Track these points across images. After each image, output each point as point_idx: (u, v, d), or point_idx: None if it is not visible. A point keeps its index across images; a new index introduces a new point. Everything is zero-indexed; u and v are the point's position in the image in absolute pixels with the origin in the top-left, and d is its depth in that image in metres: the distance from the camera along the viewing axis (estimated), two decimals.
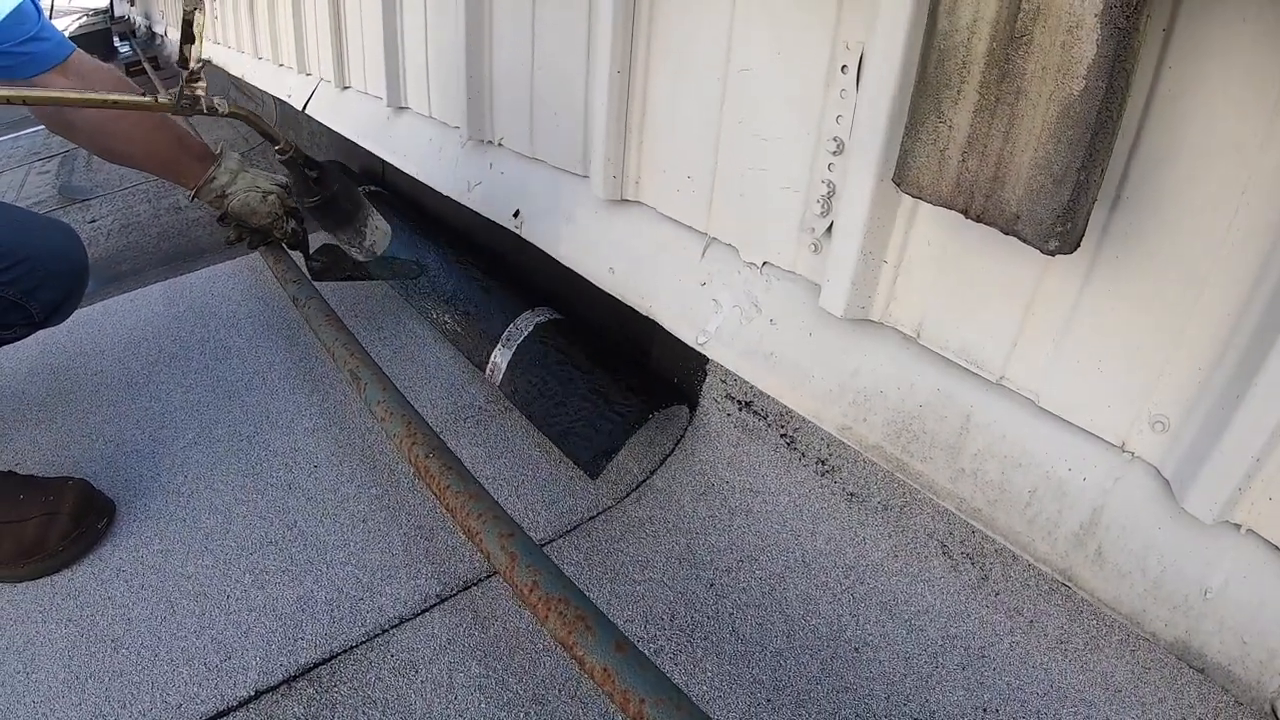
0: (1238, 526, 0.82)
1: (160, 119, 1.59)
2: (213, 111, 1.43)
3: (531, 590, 0.89)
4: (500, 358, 1.61)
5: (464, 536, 1.31)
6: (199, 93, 1.36)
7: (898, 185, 0.87)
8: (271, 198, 1.71)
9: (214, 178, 1.64)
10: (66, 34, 1.59)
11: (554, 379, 1.49)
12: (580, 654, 0.83)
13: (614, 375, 1.46)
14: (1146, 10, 0.68)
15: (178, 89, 1.34)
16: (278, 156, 1.59)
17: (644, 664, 0.82)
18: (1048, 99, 0.73)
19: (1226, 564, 0.82)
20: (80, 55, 1.53)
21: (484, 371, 1.66)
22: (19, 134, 5.09)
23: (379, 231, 1.84)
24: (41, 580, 1.33)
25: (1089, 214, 0.77)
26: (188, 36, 1.32)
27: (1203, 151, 0.78)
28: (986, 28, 0.75)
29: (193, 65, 1.34)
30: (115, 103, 1.31)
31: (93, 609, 1.27)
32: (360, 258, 1.83)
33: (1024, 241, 0.79)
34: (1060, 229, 0.76)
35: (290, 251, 1.88)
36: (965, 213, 0.82)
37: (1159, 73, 0.79)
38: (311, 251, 1.82)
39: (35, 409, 1.80)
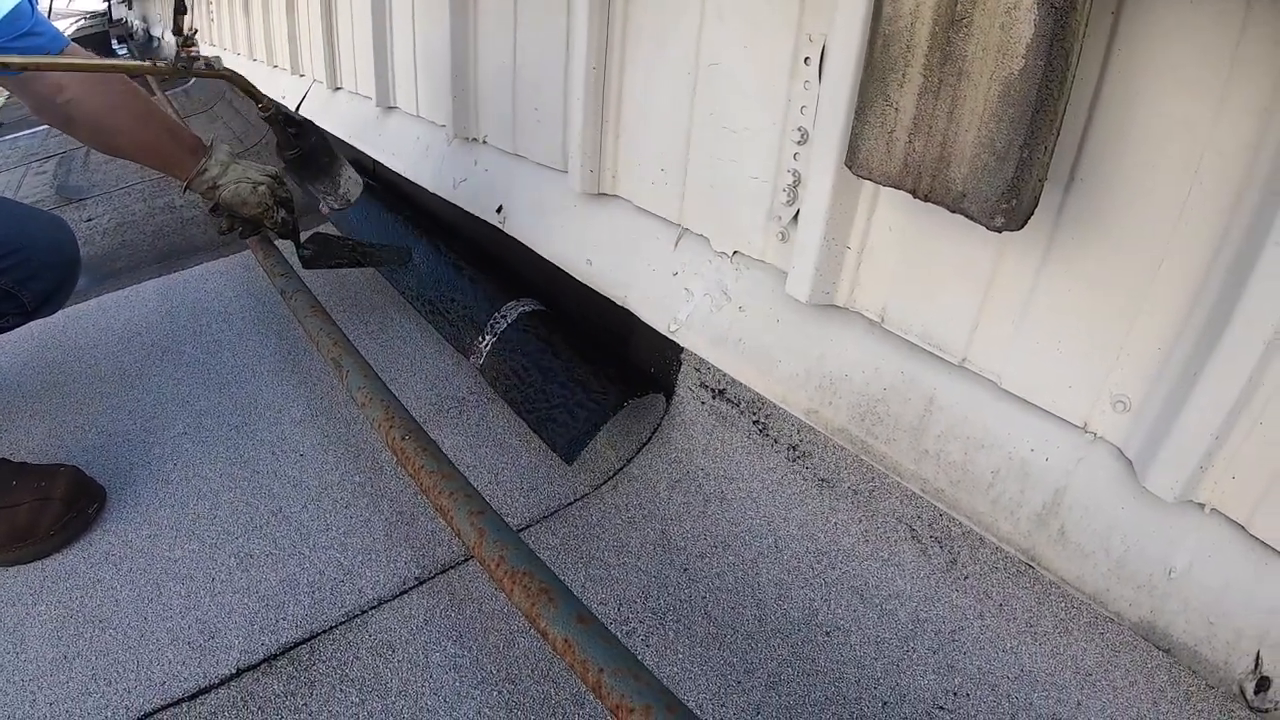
0: (1201, 506, 0.83)
1: (149, 112, 1.63)
2: (207, 71, 1.50)
3: (498, 564, 0.91)
4: (484, 345, 1.64)
5: (439, 517, 1.33)
6: (194, 55, 1.44)
7: (849, 167, 0.89)
8: (261, 188, 1.73)
9: (205, 169, 1.66)
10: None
11: (534, 367, 1.52)
12: (543, 625, 0.85)
13: (592, 365, 1.48)
14: None
15: (175, 53, 1.42)
16: (260, 113, 1.65)
17: (605, 636, 0.83)
18: (989, 79, 0.75)
19: (1191, 543, 0.83)
20: (75, 49, 1.57)
21: (468, 358, 1.69)
22: (18, 135, 5.13)
23: (352, 181, 1.87)
24: (32, 564, 1.36)
25: (1036, 192, 0.79)
26: (180, 7, 1.40)
27: (1155, 131, 0.79)
28: (929, 11, 0.77)
29: (186, 31, 1.40)
30: (115, 67, 1.38)
31: (81, 591, 1.30)
32: (336, 205, 1.86)
33: (970, 219, 0.81)
34: (1005, 205, 0.78)
35: (281, 241, 1.90)
36: (914, 192, 0.84)
37: (1109, 54, 0.81)
38: (302, 240, 1.84)
39: (30, 400, 1.83)
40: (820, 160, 1.04)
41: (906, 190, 0.84)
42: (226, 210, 1.73)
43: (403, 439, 1.11)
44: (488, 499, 1.05)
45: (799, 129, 1.10)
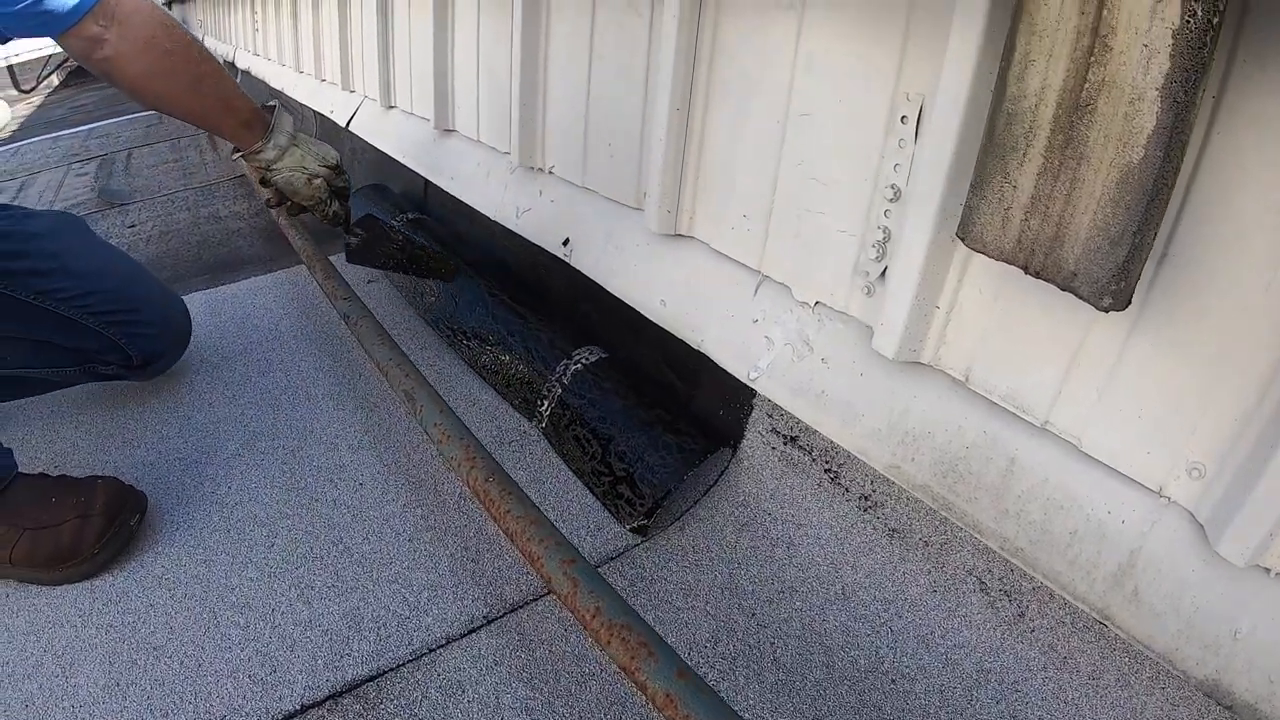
0: (1267, 570, 0.84)
1: (201, 77, 1.54)
2: None
3: (594, 616, 0.91)
4: (544, 409, 1.63)
5: (512, 556, 1.33)
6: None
7: (961, 240, 0.90)
8: (317, 181, 1.70)
9: (261, 151, 1.63)
10: None
11: (593, 437, 1.50)
12: (643, 679, 0.85)
13: (652, 430, 1.45)
14: (1203, 85, 0.71)
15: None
16: None
17: (704, 690, 0.83)
18: (1109, 165, 0.76)
19: (1257, 606, 0.84)
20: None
21: (530, 421, 1.69)
22: (59, 134, 5.14)
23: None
24: (81, 585, 1.35)
25: (1140, 273, 0.80)
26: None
27: (1245, 214, 0.81)
28: (1054, 95, 0.78)
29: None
30: None
31: (134, 616, 1.28)
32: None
33: (1079, 298, 0.82)
34: (1115, 287, 0.79)
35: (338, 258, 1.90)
36: (1025, 269, 0.85)
37: (1208, 138, 0.82)
38: (352, 224, 1.82)
39: (76, 411, 1.84)
40: (914, 220, 1.05)
41: (1018, 266, 0.85)
42: (277, 193, 1.71)
43: (485, 480, 1.11)
44: None
45: (891, 186, 1.11)
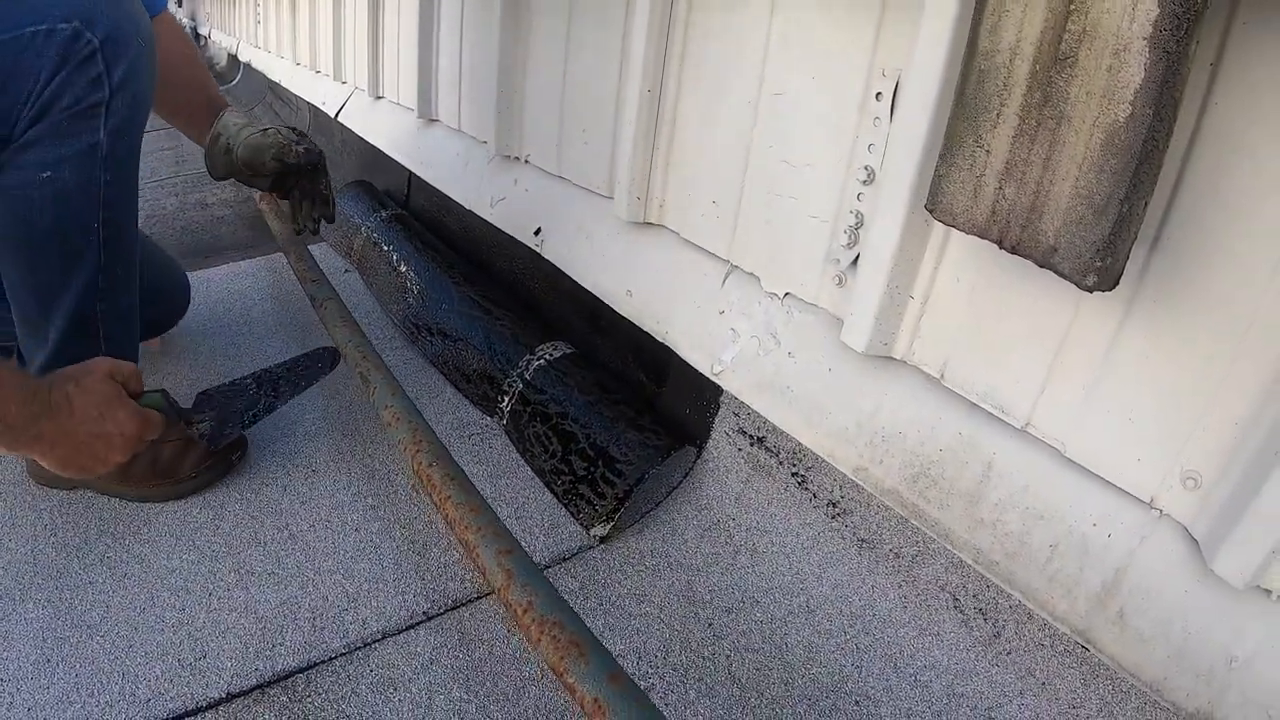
0: (1268, 593, 0.77)
1: (195, 77, 1.59)
2: None
3: (525, 611, 0.85)
4: (505, 406, 1.58)
5: (459, 552, 1.27)
6: None
7: (930, 212, 0.83)
8: (271, 131, 1.58)
9: (220, 134, 1.58)
10: None
11: (554, 433, 1.45)
12: (571, 681, 0.79)
13: (615, 428, 1.40)
14: (1196, 35, 0.65)
15: None
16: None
17: (638, 698, 0.77)
18: (1091, 125, 0.70)
19: (1256, 632, 0.77)
20: (169, 16, 1.57)
21: (491, 418, 1.64)
22: None
23: None
24: (22, 559, 1.30)
25: (1130, 250, 0.73)
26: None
27: (1248, 193, 0.74)
28: (1030, 48, 0.72)
29: None
30: None
31: (71, 593, 1.24)
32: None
33: (1061, 276, 0.75)
34: (1100, 264, 0.72)
35: (315, 248, 1.83)
36: (1000, 243, 0.78)
37: (1204, 109, 0.76)
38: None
39: None
40: (888, 203, 0.99)
41: (991, 240, 0.79)
42: (248, 171, 1.58)
43: (429, 465, 1.05)
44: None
45: (865, 168, 1.05)
